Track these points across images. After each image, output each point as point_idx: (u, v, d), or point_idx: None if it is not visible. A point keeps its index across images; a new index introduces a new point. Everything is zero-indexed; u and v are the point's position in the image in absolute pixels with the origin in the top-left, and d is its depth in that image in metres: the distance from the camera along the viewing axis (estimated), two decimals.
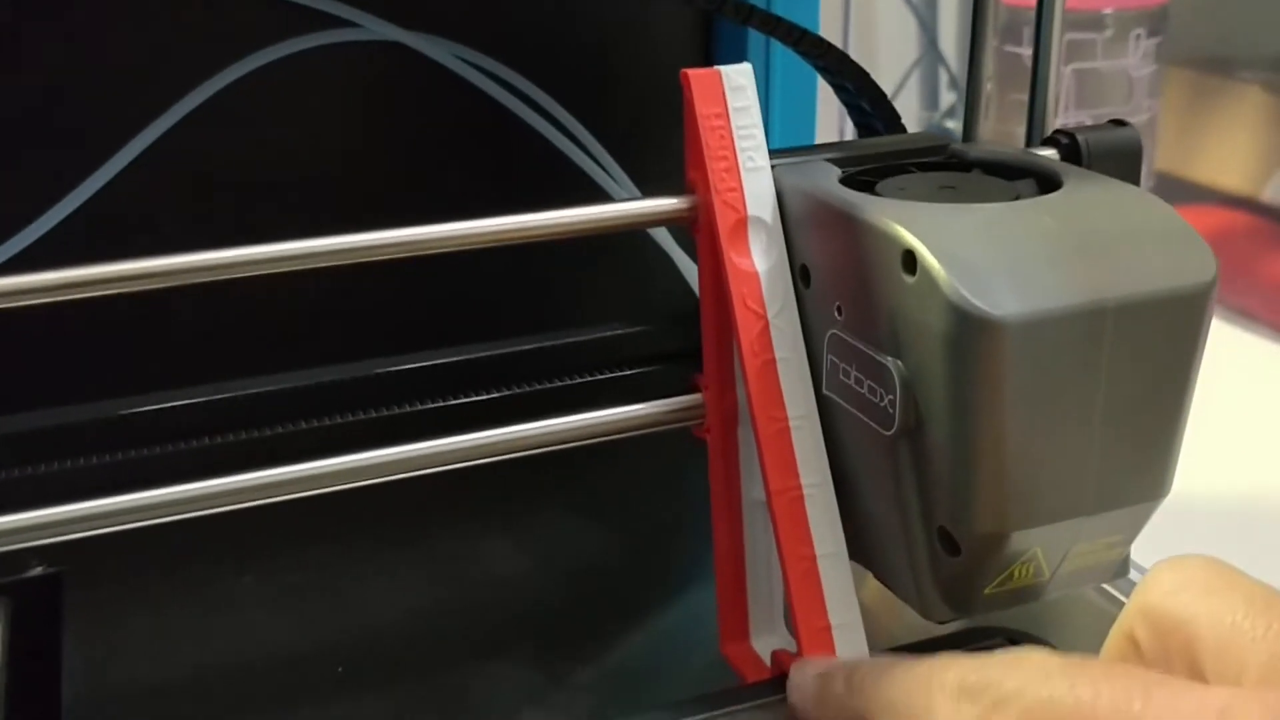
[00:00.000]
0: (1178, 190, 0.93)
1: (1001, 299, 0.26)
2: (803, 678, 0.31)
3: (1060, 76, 0.76)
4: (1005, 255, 0.28)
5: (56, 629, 0.41)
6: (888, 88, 0.76)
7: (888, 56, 0.84)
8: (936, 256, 0.27)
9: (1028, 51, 0.79)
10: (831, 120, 0.50)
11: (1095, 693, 0.22)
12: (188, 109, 0.42)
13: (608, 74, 0.48)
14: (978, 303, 0.26)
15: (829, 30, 0.76)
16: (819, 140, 0.53)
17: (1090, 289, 0.27)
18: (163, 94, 0.42)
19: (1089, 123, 0.77)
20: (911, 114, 0.82)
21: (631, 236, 0.42)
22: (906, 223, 0.28)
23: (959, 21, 0.83)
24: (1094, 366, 0.27)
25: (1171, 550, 0.33)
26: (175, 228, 0.39)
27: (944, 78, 0.88)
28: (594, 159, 0.48)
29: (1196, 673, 0.24)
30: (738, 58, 0.50)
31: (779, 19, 0.40)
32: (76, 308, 0.29)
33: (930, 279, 0.27)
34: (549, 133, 0.47)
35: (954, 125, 0.86)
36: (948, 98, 0.87)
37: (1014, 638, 0.35)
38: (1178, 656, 0.24)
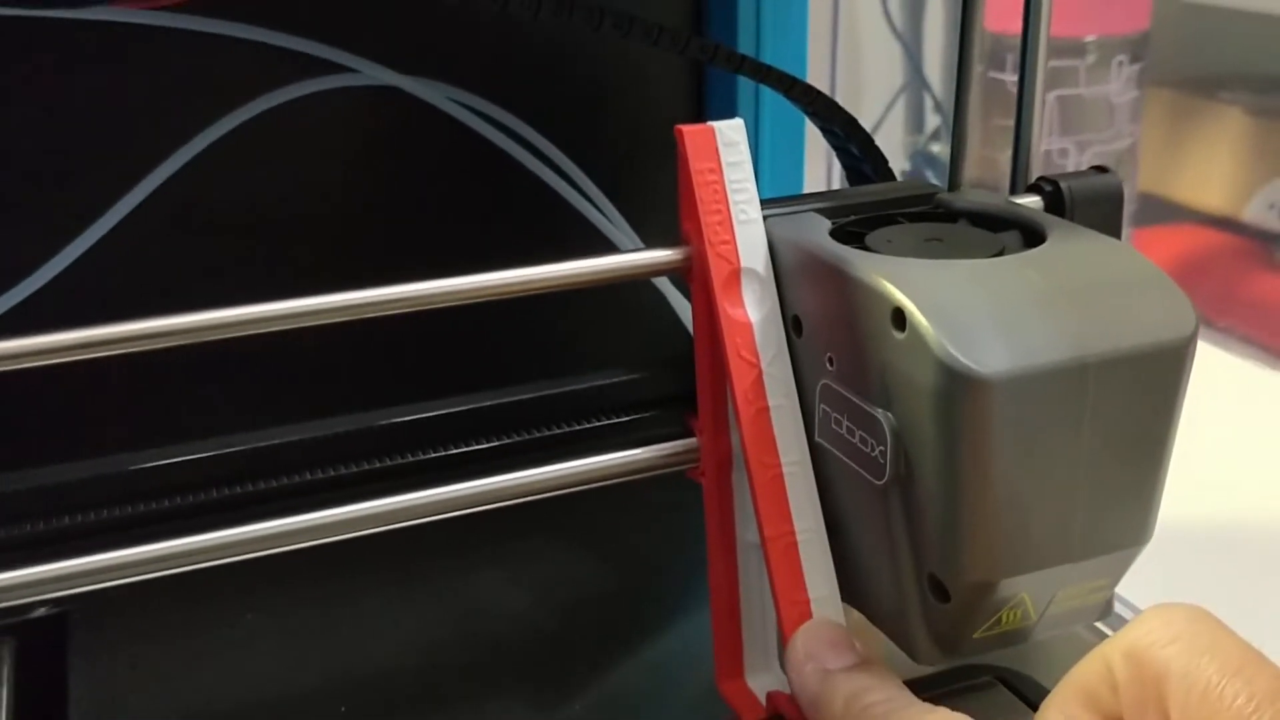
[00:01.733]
0: (1160, 210, 0.95)
1: (988, 356, 0.27)
2: (807, 658, 0.31)
3: (1043, 106, 0.77)
4: (991, 312, 0.28)
5: (62, 668, 0.42)
6: (874, 113, 0.78)
7: (874, 82, 0.85)
8: (925, 314, 0.28)
9: (1011, 78, 0.80)
10: (819, 158, 0.51)
11: None
12: (187, 158, 0.42)
13: (602, 117, 0.49)
14: (965, 360, 0.27)
15: (817, 57, 0.77)
16: (806, 181, 0.54)
17: (1074, 345, 0.28)
18: (161, 143, 0.43)
19: (1071, 149, 0.78)
20: (897, 138, 0.83)
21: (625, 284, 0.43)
22: (895, 280, 0.29)
23: (943, 47, 0.84)
24: (1077, 420, 0.28)
25: (1152, 574, 0.34)
26: (176, 277, 0.40)
27: (929, 102, 0.89)
28: (590, 200, 0.48)
29: None
30: (728, 104, 0.51)
31: (769, 67, 0.41)
32: (73, 366, 0.30)
33: (919, 336, 0.28)
34: (544, 174, 0.48)
35: (938, 149, 0.87)
36: (932, 121, 0.88)
37: (1002, 676, 0.36)
38: (1152, 706, 0.25)
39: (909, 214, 0.35)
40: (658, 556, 0.42)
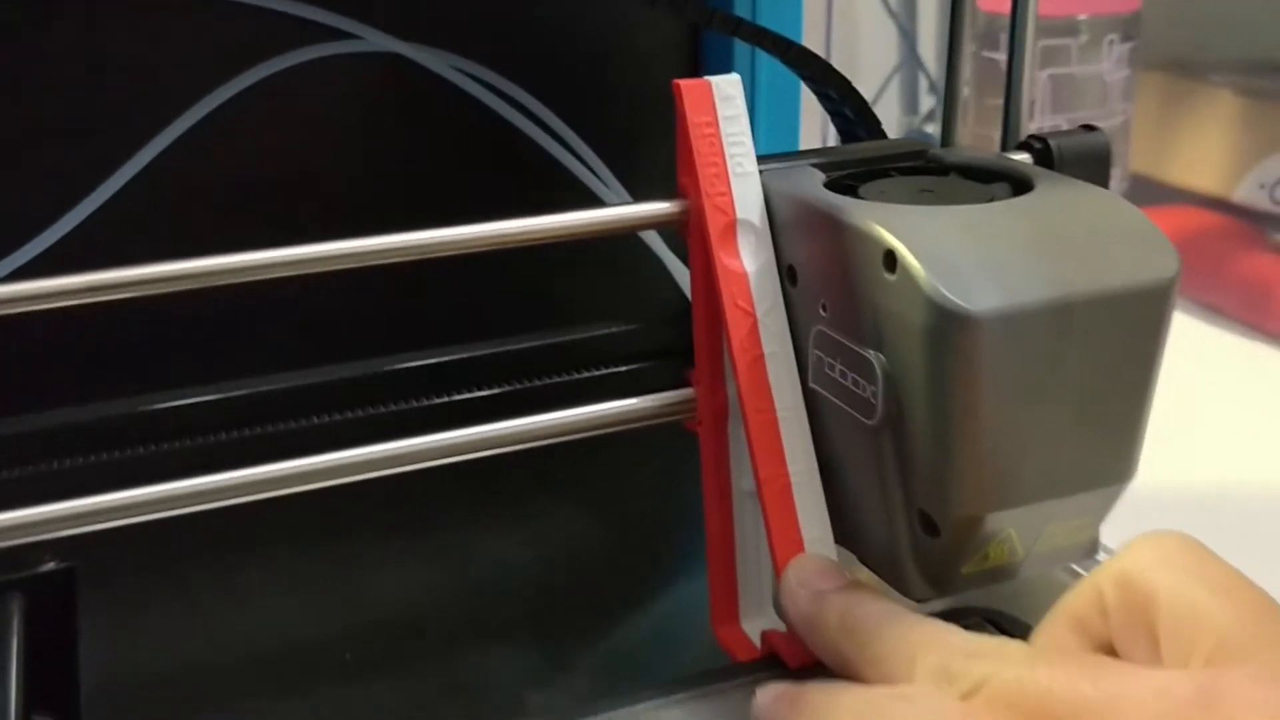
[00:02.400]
0: (1152, 191, 0.96)
1: (976, 295, 0.28)
2: (799, 585, 0.32)
3: (1035, 82, 0.78)
4: (980, 254, 0.29)
5: (71, 622, 0.42)
6: (868, 93, 0.79)
7: (869, 63, 0.86)
8: (915, 256, 0.29)
9: (1004, 57, 0.81)
10: (815, 126, 0.51)
11: (1052, 676, 0.24)
12: (191, 122, 0.43)
13: (601, 83, 0.50)
14: (954, 298, 0.28)
15: (812, 37, 0.78)
16: (802, 145, 0.55)
17: (1059, 285, 0.29)
18: (166, 107, 0.43)
19: (1064, 126, 0.80)
20: (892, 119, 0.84)
21: (624, 243, 0.43)
22: (887, 224, 0.30)
23: (938, 29, 0.85)
24: (1063, 358, 0.29)
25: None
26: (180, 239, 0.40)
27: (923, 83, 0.90)
28: (587, 166, 0.49)
29: (1155, 647, 0.26)
30: (725, 68, 0.52)
31: (766, 31, 0.42)
32: (84, 311, 0.30)
33: (910, 277, 0.29)
34: (544, 140, 0.49)
35: (933, 129, 0.88)
36: (927, 102, 0.89)
37: (991, 617, 0.37)
38: (1141, 628, 0.26)
39: (901, 168, 0.36)
40: (659, 509, 0.43)
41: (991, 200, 0.33)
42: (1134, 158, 0.92)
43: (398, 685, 0.37)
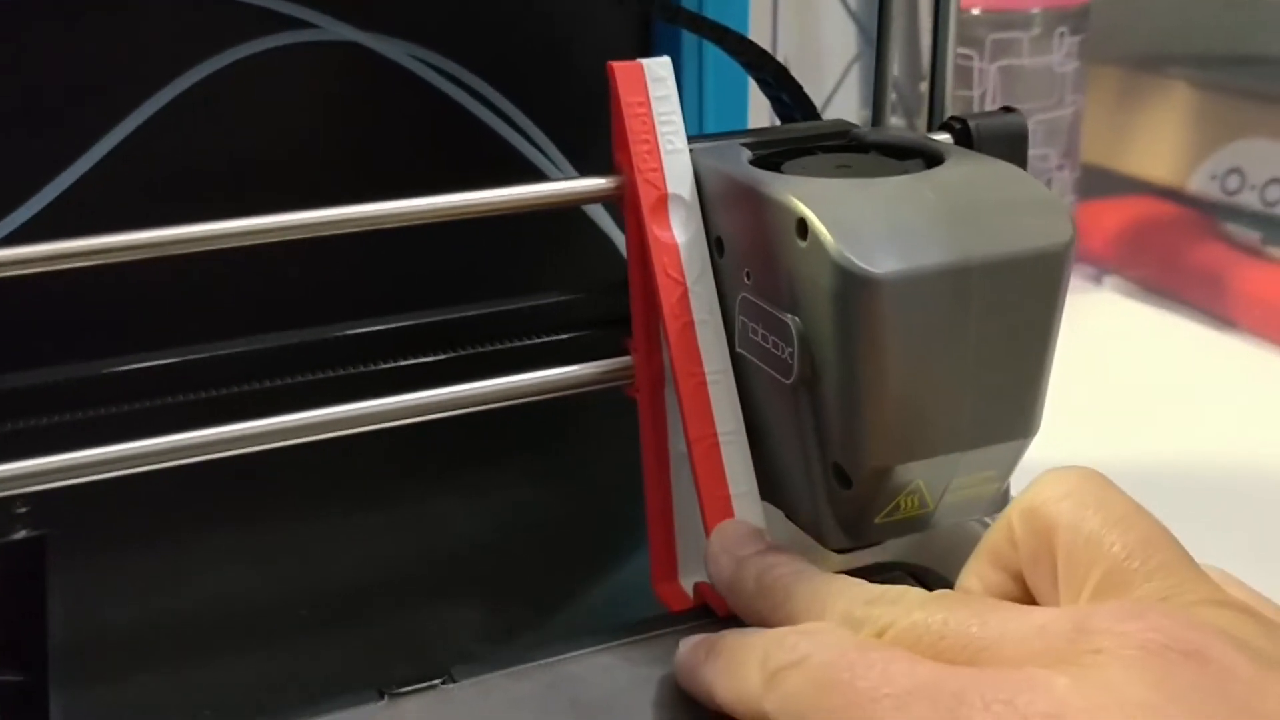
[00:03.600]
0: (1108, 182, 0.98)
1: (879, 259, 0.30)
2: (721, 550, 0.34)
3: (987, 74, 0.80)
4: (885, 221, 0.31)
5: (41, 589, 0.44)
6: (829, 83, 0.81)
7: (829, 56, 0.88)
8: (824, 223, 0.31)
9: (961, 50, 0.83)
10: (766, 108, 0.53)
11: (944, 619, 0.26)
12: (150, 112, 0.44)
13: (556, 70, 0.52)
14: (859, 262, 0.30)
15: (760, 28, 0.80)
16: (753, 124, 0.57)
17: (958, 250, 0.31)
18: (123, 98, 0.44)
19: None
20: (851, 111, 0.86)
21: (570, 215, 0.45)
22: (800, 195, 0.32)
23: (899, 23, 0.87)
24: (963, 318, 0.31)
25: None
26: (139, 228, 0.41)
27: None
28: (541, 150, 0.51)
29: (1054, 577, 0.28)
30: (674, 54, 0.54)
31: (703, 18, 0.44)
32: (41, 280, 0.32)
33: (819, 243, 0.31)
34: (499, 126, 0.51)
35: (897, 121, 0.90)
36: (890, 95, 0.91)
37: (912, 571, 0.39)
38: (1045, 560, 0.28)
39: (825, 146, 0.38)
40: (609, 473, 0.45)
41: (904, 174, 0.35)
42: (1089, 149, 0.94)
43: (350, 640, 0.39)
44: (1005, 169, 0.35)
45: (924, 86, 0.46)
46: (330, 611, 0.41)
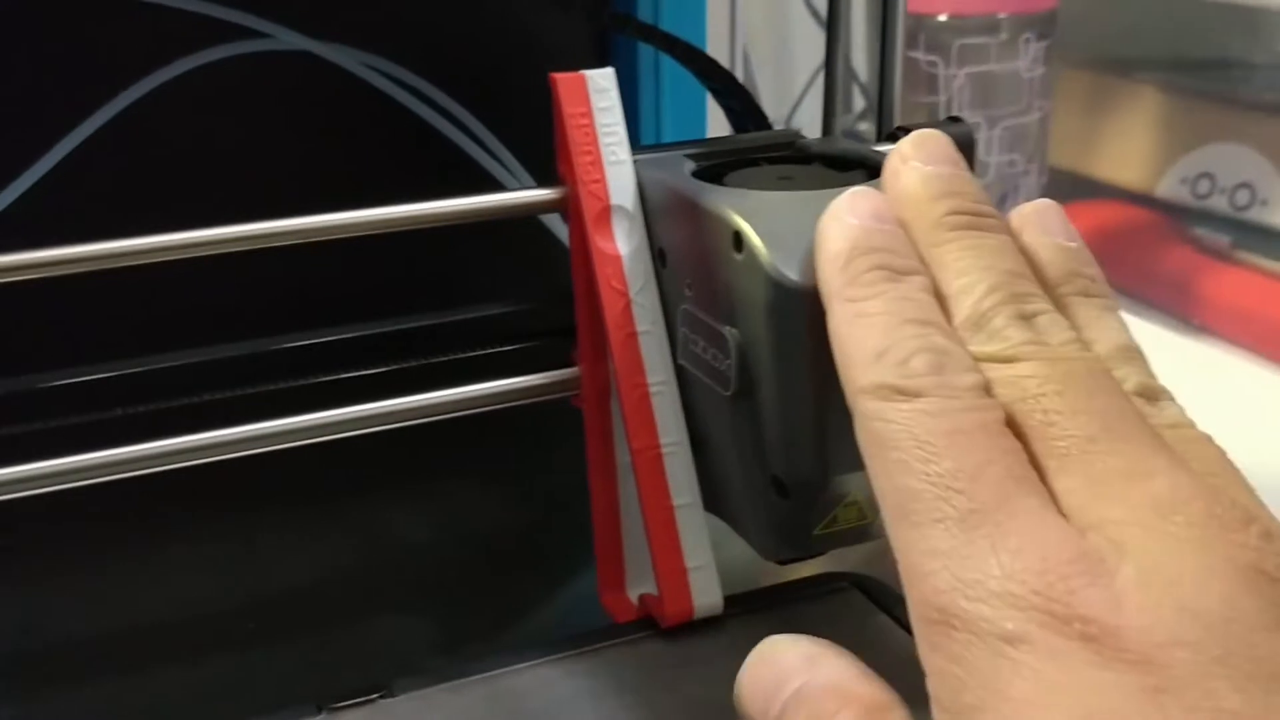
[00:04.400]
0: (1078, 187, 0.98)
1: (812, 271, 0.30)
2: (762, 686, 0.26)
3: (955, 80, 0.80)
4: None
5: None
6: (795, 90, 0.80)
7: (798, 61, 0.88)
8: (759, 236, 0.31)
9: (925, 56, 0.83)
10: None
11: None
12: (102, 121, 0.44)
13: (511, 78, 0.52)
14: (791, 275, 0.30)
15: (718, 36, 0.79)
16: (711, 133, 0.57)
17: None
18: (74, 110, 0.44)
19: (983, 123, 0.82)
20: (818, 117, 0.86)
21: (526, 222, 0.45)
22: (737, 208, 0.32)
23: (863, 28, 0.87)
24: None
25: None
26: (91, 239, 0.41)
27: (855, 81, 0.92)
28: (498, 159, 0.51)
29: None
30: (631, 62, 0.54)
31: (654, 28, 0.44)
32: None
33: (753, 255, 0.31)
34: (455, 135, 0.51)
35: (866, 127, 0.90)
36: (860, 102, 0.91)
37: (858, 582, 0.39)
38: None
39: (770, 157, 0.38)
40: (559, 483, 0.45)
41: (844, 185, 0.35)
42: (1060, 154, 0.94)
43: (296, 652, 0.39)
44: None
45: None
46: (277, 623, 0.40)
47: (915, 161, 0.29)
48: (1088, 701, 0.19)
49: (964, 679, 0.21)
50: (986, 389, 0.24)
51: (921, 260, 0.27)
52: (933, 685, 0.21)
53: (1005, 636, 0.20)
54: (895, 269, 0.27)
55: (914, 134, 0.29)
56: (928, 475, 0.23)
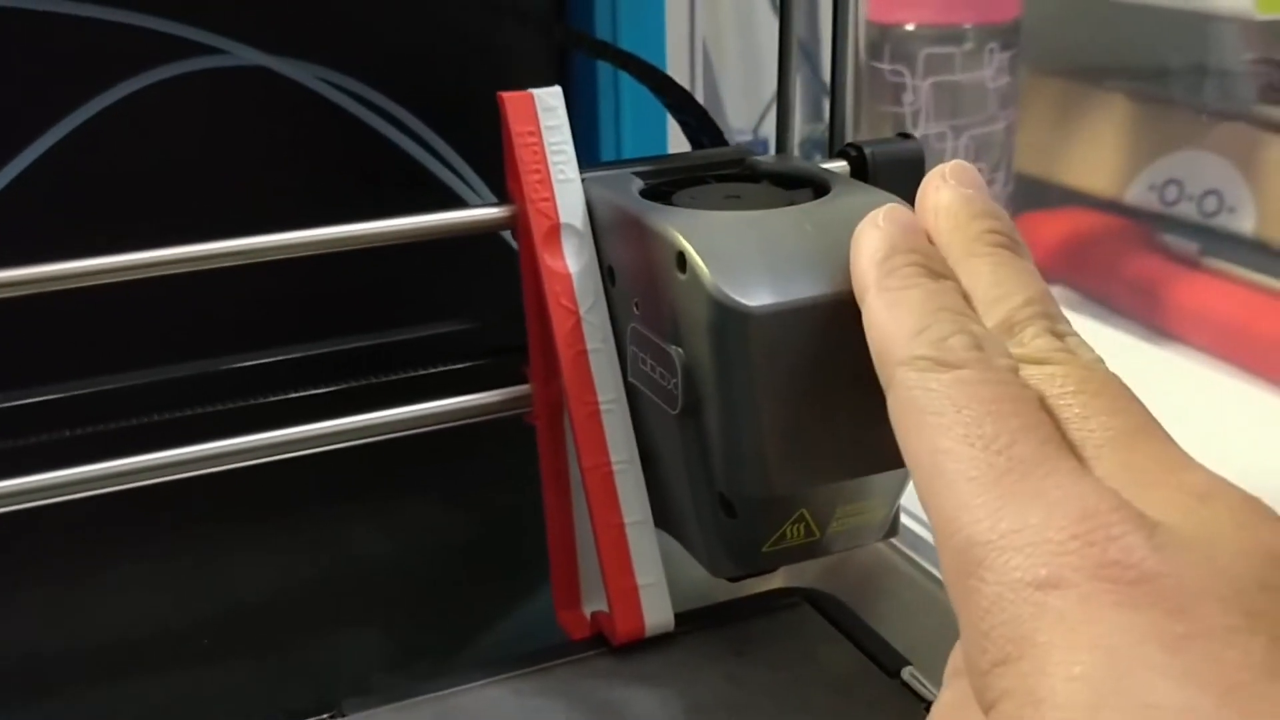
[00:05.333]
0: (1046, 194, 0.99)
1: (754, 292, 0.30)
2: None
3: (920, 90, 0.81)
4: (762, 254, 0.31)
5: None
6: (764, 101, 0.80)
7: (771, 69, 0.88)
8: (702, 256, 0.31)
9: (889, 66, 0.83)
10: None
11: None
12: (58, 137, 0.44)
13: (468, 91, 0.52)
14: (734, 296, 0.30)
15: (677, 49, 0.79)
16: (673, 149, 0.57)
17: (834, 282, 0.31)
18: (30, 125, 0.44)
19: (949, 133, 0.82)
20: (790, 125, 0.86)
21: (477, 240, 0.45)
22: (681, 228, 0.32)
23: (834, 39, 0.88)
24: (838, 350, 0.31)
25: None
26: (47, 255, 0.41)
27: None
28: (455, 172, 0.51)
29: None
30: (589, 76, 0.54)
31: (606, 44, 0.44)
32: None
33: (696, 276, 0.31)
34: (411, 148, 0.51)
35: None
36: (795, 121, 0.91)
37: (809, 597, 0.39)
38: None
39: (719, 175, 0.38)
40: (515, 500, 0.45)
41: (790, 205, 0.35)
42: (1028, 161, 0.95)
43: (251, 669, 0.39)
44: (887, 201, 0.35)
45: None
46: (232, 640, 0.40)
47: (954, 182, 0.29)
48: (1114, 641, 0.20)
49: (992, 632, 0.21)
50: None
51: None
52: (964, 646, 0.22)
53: (1038, 583, 0.21)
54: (931, 270, 0.27)
55: (952, 162, 0.30)
56: (967, 437, 0.23)
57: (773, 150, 0.45)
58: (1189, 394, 0.87)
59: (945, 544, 0.23)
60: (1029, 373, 0.25)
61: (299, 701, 0.34)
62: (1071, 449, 0.23)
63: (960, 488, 0.22)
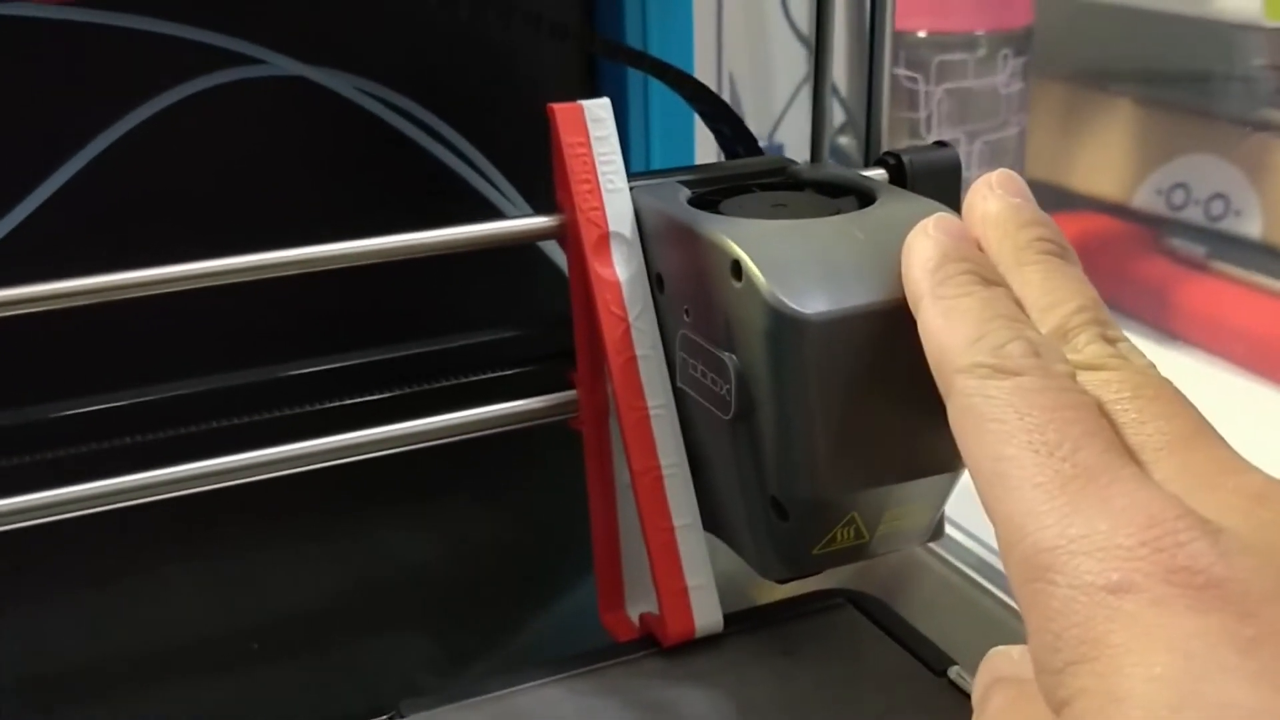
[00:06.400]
0: (1055, 198, 1.00)
1: (809, 300, 0.31)
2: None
3: (933, 96, 0.82)
4: (816, 261, 0.32)
5: None
6: (778, 107, 0.82)
7: (779, 77, 0.89)
8: (757, 265, 0.32)
9: (905, 72, 0.84)
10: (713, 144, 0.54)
11: None
12: (97, 150, 0.44)
13: (503, 101, 0.52)
14: (789, 303, 0.31)
15: (704, 53, 0.80)
16: (699, 157, 0.58)
17: (888, 289, 0.32)
18: (68, 138, 0.44)
19: (962, 138, 0.83)
20: (803, 131, 0.87)
21: (519, 249, 0.46)
22: (735, 236, 0.33)
23: (847, 44, 0.89)
24: (891, 356, 0.32)
25: None
26: (89, 267, 0.42)
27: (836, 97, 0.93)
28: (491, 182, 0.52)
29: None
30: (619, 86, 0.55)
31: (643, 54, 0.45)
32: None
33: (752, 284, 0.32)
34: (448, 158, 0.51)
35: (845, 141, 0.91)
36: (840, 116, 0.92)
37: (853, 598, 0.40)
38: None
39: (763, 184, 0.39)
40: (560, 505, 0.46)
41: (837, 213, 0.36)
42: (1037, 166, 0.96)
43: (300, 673, 0.39)
44: (933, 208, 0.36)
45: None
46: (280, 645, 0.41)
47: (1001, 191, 0.30)
48: (1188, 645, 0.20)
49: (1064, 633, 0.21)
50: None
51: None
52: (1033, 646, 0.22)
53: (1110, 587, 0.21)
54: (984, 277, 0.28)
55: (999, 171, 0.31)
56: (1030, 444, 0.23)
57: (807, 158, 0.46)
58: (1196, 396, 0.88)
59: (1011, 549, 0.23)
60: (1085, 378, 0.26)
61: (346, 703, 0.35)
62: (1130, 454, 0.24)
63: (1026, 494, 0.23)
